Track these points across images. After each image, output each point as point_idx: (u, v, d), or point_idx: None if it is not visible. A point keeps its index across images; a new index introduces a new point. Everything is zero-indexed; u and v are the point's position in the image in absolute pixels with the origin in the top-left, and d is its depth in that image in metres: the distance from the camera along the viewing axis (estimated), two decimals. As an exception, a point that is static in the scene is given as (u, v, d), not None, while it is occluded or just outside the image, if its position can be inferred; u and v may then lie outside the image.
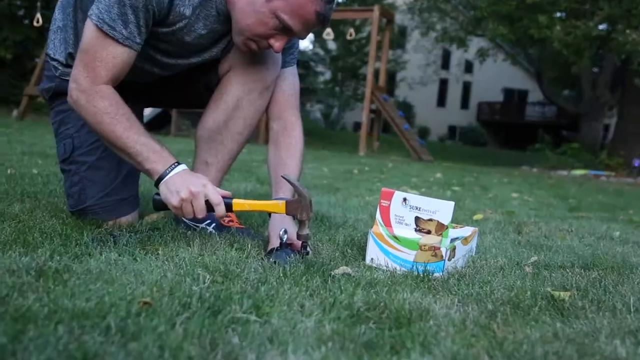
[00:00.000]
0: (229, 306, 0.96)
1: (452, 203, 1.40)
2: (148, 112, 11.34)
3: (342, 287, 1.13)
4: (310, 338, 0.86)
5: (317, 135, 14.73)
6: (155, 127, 11.69)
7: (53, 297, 0.93)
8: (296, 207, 1.36)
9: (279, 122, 1.65)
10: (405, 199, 1.44)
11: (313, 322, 0.93)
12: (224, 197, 1.36)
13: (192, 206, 1.32)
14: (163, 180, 1.34)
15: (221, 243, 1.45)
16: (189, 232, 1.58)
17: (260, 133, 10.13)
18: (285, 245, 1.40)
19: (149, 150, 1.35)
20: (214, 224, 1.61)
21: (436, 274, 1.34)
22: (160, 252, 1.31)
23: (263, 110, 1.64)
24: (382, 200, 1.47)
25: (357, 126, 25.13)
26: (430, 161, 9.56)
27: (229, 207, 1.35)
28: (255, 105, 1.61)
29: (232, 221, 1.64)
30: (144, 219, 1.69)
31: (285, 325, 0.90)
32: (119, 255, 1.24)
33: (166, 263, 1.22)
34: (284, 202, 1.36)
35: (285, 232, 1.40)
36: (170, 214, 1.78)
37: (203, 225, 1.62)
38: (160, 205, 1.38)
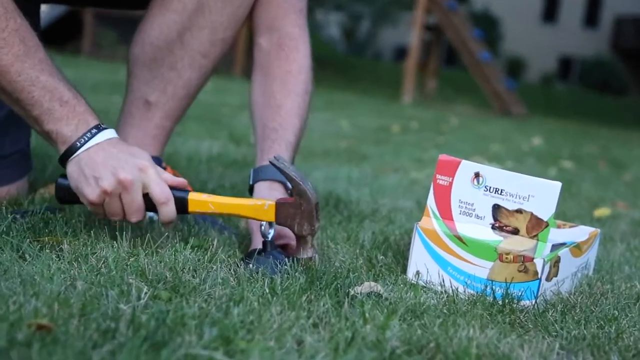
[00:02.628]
0: (180, 337, 0.99)
1: (558, 185, 1.41)
2: (43, 12, 11.32)
3: (367, 315, 1.15)
4: (312, 392, 0.89)
5: (333, 67, 14.69)
6: (53, 39, 11.68)
7: None
8: (293, 214, 1.38)
9: (271, 35, 1.67)
10: (478, 175, 1.45)
11: (318, 367, 0.95)
12: (174, 188, 1.37)
13: (121, 203, 1.34)
14: (74, 156, 1.35)
15: (168, 237, 1.48)
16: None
17: (236, 59, 10.14)
18: (272, 246, 1.42)
19: (53, 98, 1.35)
20: (156, 205, 1.65)
21: (525, 302, 1.36)
22: (65, 246, 1.34)
23: (244, 14, 1.65)
24: (438, 176, 1.48)
25: (401, 53, 24.98)
26: (524, 116, 9.54)
27: (182, 207, 1.38)
28: (232, 6, 1.62)
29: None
30: (38, 191, 1.72)
31: (271, 371, 0.93)
32: (-1, 249, 1.27)
33: (75, 265, 1.25)
34: (272, 203, 1.39)
35: (271, 225, 1.43)
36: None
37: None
38: (67, 196, 1.40)
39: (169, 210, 1.36)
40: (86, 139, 1.34)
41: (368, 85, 12.13)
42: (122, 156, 1.34)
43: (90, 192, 1.33)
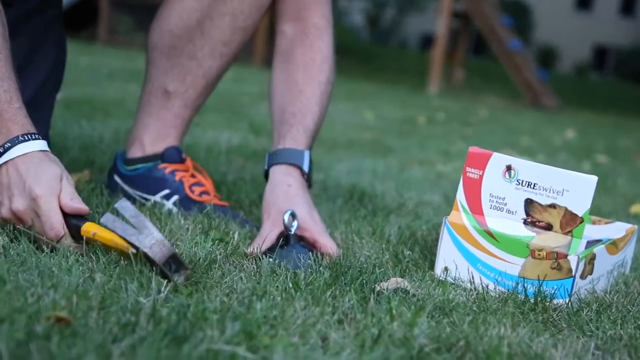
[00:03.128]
0: (202, 331, 1.00)
1: (595, 179, 1.41)
2: None
3: (394, 312, 1.16)
4: (338, 389, 0.90)
5: (356, 55, 14.67)
6: (69, 26, 11.77)
7: None
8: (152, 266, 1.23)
9: (296, 24, 1.68)
10: (510, 168, 1.45)
11: (343, 364, 0.96)
12: (72, 217, 1.30)
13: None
14: None
15: (189, 228, 1.49)
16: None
17: (256, 47, 10.15)
18: (295, 240, 1.43)
19: None
20: (175, 197, 1.66)
21: (559, 300, 1.36)
22: (83, 238, 1.35)
23: (267, 3, 1.66)
24: (468, 169, 1.48)
25: (428, 42, 24.89)
26: (556, 108, 9.48)
27: (77, 231, 1.31)
28: (255, -8, 1.62)
29: (206, 193, 1.68)
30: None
31: (296, 368, 0.94)
32: (10, 241, 1.29)
33: (93, 257, 1.26)
34: (134, 252, 1.24)
35: (294, 216, 1.44)
36: (102, 178, 1.83)
37: (157, 198, 1.67)
38: None
39: (62, 242, 1.29)
40: (5, 148, 1.31)
41: (392, 74, 12.11)
42: (25, 180, 1.29)
43: (2, 211, 1.32)
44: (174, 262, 1.20)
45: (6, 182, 1.31)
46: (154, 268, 1.21)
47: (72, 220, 1.31)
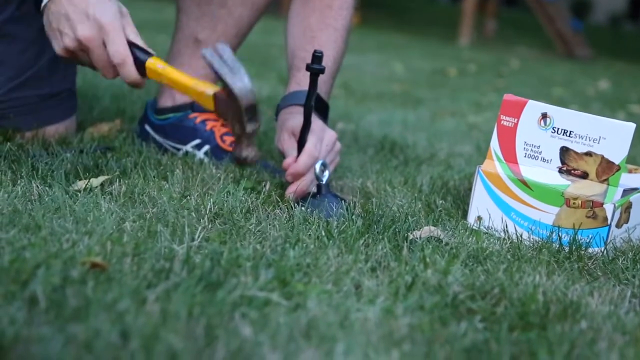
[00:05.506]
0: (236, 277, 1.00)
1: (632, 126, 1.39)
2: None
3: (428, 260, 1.16)
4: (373, 335, 0.90)
5: (386, 7, 14.53)
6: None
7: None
8: (225, 111, 1.32)
9: None
10: (545, 116, 1.44)
11: (378, 311, 0.96)
12: (138, 48, 1.34)
13: (90, 58, 1.34)
14: (43, 4, 1.35)
15: (220, 177, 1.49)
16: (165, 156, 1.63)
17: (283, -1, 10.06)
18: (327, 189, 1.43)
19: None
20: (206, 147, 1.66)
21: (594, 248, 1.35)
22: (115, 186, 1.36)
23: None
24: (503, 117, 1.47)
25: (458, -7, 24.57)
26: (590, 59, 9.34)
27: (140, 68, 1.34)
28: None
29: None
30: (87, 131, 1.74)
31: (330, 313, 0.94)
32: (48, 187, 1.30)
33: (125, 205, 1.27)
34: (212, 94, 1.32)
35: (325, 166, 1.44)
36: (133, 127, 1.83)
37: (189, 147, 1.67)
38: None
39: (126, 71, 1.34)
40: None
41: (423, 26, 11.97)
42: (86, 9, 1.32)
43: (56, 46, 1.35)
44: (252, 112, 1.27)
45: (64, 12, 1.32)
46: (223, 113, 1.30)
47: (136, 52, 1.34)
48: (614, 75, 6.74)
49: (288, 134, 1.48)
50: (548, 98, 3.93)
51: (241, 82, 1.26)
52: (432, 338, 0.91)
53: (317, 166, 1.43)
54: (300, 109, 1.46)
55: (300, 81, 1.56)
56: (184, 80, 1.35)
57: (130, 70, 1.33)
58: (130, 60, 1.33)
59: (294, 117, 1.49)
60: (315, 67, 1.37)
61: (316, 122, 1.47)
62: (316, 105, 1.47)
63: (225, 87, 1.27)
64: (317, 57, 1.37)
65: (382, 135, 2.29)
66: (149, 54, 1.35)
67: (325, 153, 1.47)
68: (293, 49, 1.64)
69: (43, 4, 1.34)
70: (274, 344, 0.85)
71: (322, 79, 1.47)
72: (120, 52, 1.32)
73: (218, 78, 1.29)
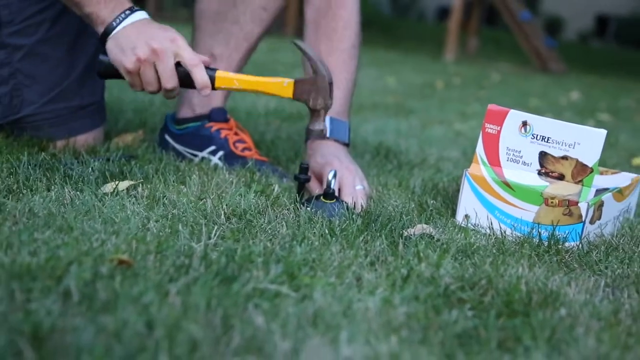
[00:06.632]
0: (249, 272, 1.00)
1: (604, 132, 1.38)
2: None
3: (422, 254, 1.15)
4: (373, 323, 0.90)
5: (379, 27, 14.53)
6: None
7: (-19, 247, 0.99)
8: (308, 90, 1.40)
9: None
10: (526, 124, 1.43)
11: (377, 301, 0.96)
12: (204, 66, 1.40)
13: (156, 71, 1.38)
14: (112, 34, 1.40)
15: (233, 182, 1.49)
16: (183, 163, 1.62)
17: (288, 19, 10.07)
18: (330, 195, 1.43)
19: None
20: (220, 153, 1.65)
21: (570, 243, 1.34)
22: (138, 190, 1.36)
23: None
24: (487, 124, 1.46)
25: (444, 13, 24.59)
26: (562, 73, 9.34)
27: (210, 81, 1.40)
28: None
29: (248, 149, 1.67)
30: (113, 141, 1.74)
31: (334, 304, 0.94)
32: (79, 192, 1.30)
33: (149, 207, 1.27)
34: (291, 81, 1.41)
35: (335, 175, 1.43)
36: (154, 137, 1.82)
37: (205, 153, 1.67)
38: (107, 71, 1.44)
39: (201, 73, 1.39)
40: (121, 19, 1.40)
41: (412, 44, 11.96)
42: (155, 30, 1.39)
43: (127, 61, 1.38)
44: (331, 89, 1.40)
45: (133, 37, 1.38)
46: (305, 93, 1.39)
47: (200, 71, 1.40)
48: (584, 87, 6.74)
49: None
50: (525, 108, 3.91)
51: (324, 65, 1.39)
52: (427, 325, 0.91)
53: (330, 175, 1.43)
54: (321, 142, 1.55)
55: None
56: (257, 78, 1.42)
57: (203, 72, 1.39)
58: (201, 64, 1.39)
59: (315, 155, 1.55)
60: (301, 177, 1.43)
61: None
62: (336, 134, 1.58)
63: (316, 67, 1.39)
64: (303, 168, 1.43)
65: (378, 142, 2.28)
66: (215, 69, 1.42)
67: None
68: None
69: (114, 32, 1.39)
70: (284, 332, 0.85)
71: (338, 99, 1.56)
72: (195, 57, 1.39)
73: (309, 60, 1.40)
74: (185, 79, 1.39)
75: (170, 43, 1.37)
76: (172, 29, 1.41)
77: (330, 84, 1.40)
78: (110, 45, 1.40)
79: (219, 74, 1.41)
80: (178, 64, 1.39)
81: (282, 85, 1.41)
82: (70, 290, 0.88)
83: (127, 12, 1.40)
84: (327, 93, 1.39)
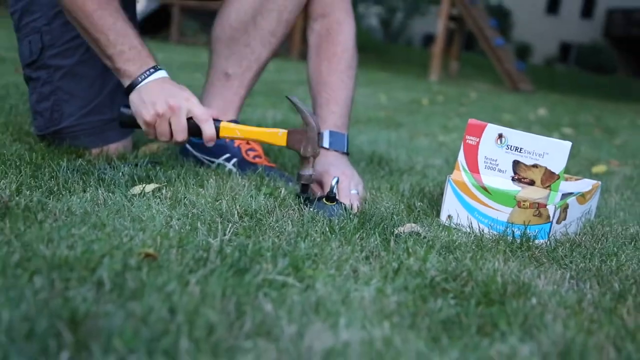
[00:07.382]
0: (259, 264, 1.00)
1: (569, 144, 1.38)
2: (139, 7, 11.44)
3: (410, 250, 1.15)
4: (368, 310, 0.89)
5: (373, 51, 14.55)
6: (148, 29, 11.75)
7: (24, 241, 0.98)
8: (299, 140, 1.42)
9: (322, 21, 1.67)
10: (501, 136, 1.42)
11: (372, 291, 0.96)
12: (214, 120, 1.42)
13: (170, 125, 1.39)
14: (137, 88, 1.41)
15: (245, 185, 1.48)
16: (201, 168, 1.61)
17: (293, 44, 10.08)
18: (332, 198, 1.42)
19: (125, 42, 1.42)
20: (234, 160, 1.65)
21: (540, 240, 1.34)
22: (162, 192, 1.35)
23: (304, 1, 1.63)
24: (468, 136, 1.46)
25: (429, 40, 24.65)
26: (531, 92, 9.34)
27: (215, 131, 1.42)
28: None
29: (258, 157, 1.67)
30: (140, 149, 1.73)
31: (334, 293, 0.93)
32: (111, 193, 1.29)
33: (171, 207, 1.26)
34: (285, 131, 1.42)
35: (338, 182, 1.43)
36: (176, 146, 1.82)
37: (220, 160, 1.66)
38: (128, 121, 1.46)
39: (210, 127, 1.40)
40: (146, 75, 1.41)
41: (401, 66, 11.97)
42: (173, 89, 1.41)
43: (146, 114, 1.39)
44: (319, 139, 1.44)
45: (155, 93, 1.40)
46: (297, 142, 1.41)
47: (207, 124, 1.41)
48: (550, 104, 6.74)
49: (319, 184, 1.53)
50: (499, 122, 3.92)
51: (314, 118, 1.42)
52: (415, 312, 0.90)
53: (334, 181, 1.43)
54: (323, 153, 1.55)
55: (325, 120, 1.60)
56: (254, 129, 1.45)
57: (212, 126, 1.41)
58: (211, 118, 1.41)
59: (317, 164, 1.53)
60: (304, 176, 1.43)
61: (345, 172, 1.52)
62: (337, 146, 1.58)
63: (307, 120, 1.40)
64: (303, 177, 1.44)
65: (371, 151, 2.28)
66: (219, 121, 1.44)
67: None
68: (314, 95, 1.67)
69: (138, 86, 1.41)
70: (290, 317, 0.84)
71: (337, 115, 1.60)
72: (205, 112, 1.40)
73: (301, 113, 1.41)
74: (195, 130, 1.42)
75: (185, 102, 1.39)
76: (187, 89, 1.43)
77: (319, 134, 1.42)
78: (133, 96, 1.41)
79: (223, 124, 1.43)
80: (189, 118, 1.40)
81: (277, 135, 1.43)
82: (103, 280, 0.88)
83: (152, 70, 1.42)
84: (315, 143, 1.41)
